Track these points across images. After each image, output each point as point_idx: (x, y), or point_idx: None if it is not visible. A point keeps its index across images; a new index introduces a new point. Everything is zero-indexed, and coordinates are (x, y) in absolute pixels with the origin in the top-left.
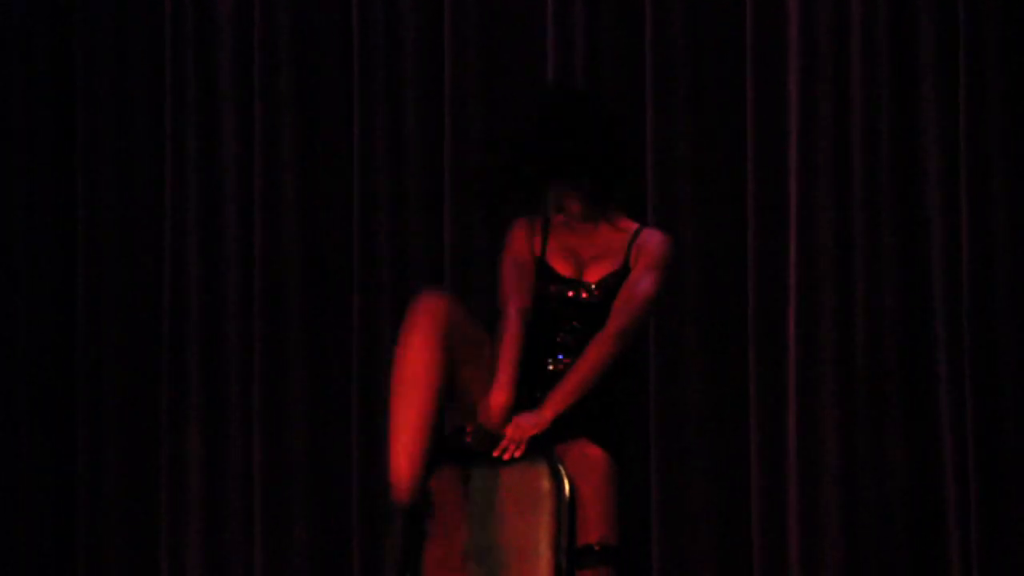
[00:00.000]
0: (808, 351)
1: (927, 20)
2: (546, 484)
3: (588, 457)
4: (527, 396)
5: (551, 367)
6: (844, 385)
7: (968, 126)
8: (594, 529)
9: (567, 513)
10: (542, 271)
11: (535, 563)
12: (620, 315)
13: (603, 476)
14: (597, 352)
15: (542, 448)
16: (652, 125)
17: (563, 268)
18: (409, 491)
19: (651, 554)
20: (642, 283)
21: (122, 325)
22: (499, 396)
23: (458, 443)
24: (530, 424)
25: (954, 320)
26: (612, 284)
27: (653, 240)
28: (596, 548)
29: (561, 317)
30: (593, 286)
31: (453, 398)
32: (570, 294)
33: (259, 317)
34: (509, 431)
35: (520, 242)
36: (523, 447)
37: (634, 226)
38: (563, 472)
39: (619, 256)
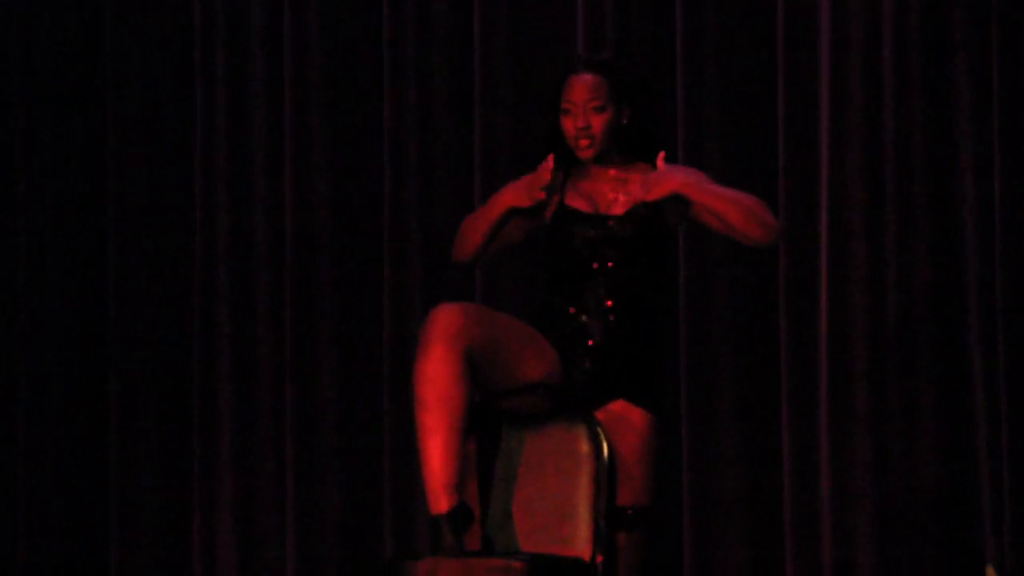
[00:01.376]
0: (839, 320)
1: None
2: (585, 447)
3: (627, 419)
4: (561, 348)
5: (584, 318)
6: (875, 355)
7: (1001, 91)
8: (630, 491)
9: (606, 476)
10: (564, 216)
11: (574, 524)
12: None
13: (641, 438)
14: (751, 200)
15: (581, 410)
16: (682, 82)
17: (586, 208)
18: (448, 501)
19: (682, 524)
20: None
21: (152, 298)
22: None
23: (491, 409)
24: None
25: (985, 289)
26: (641, 214)
27: (673, 167)
28: (629, 512)
29: (591, 261)
30: (623, 217)
31: (493, 383)
32: (598, 231)
33: (289, 290)
34: (636, 186)
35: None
36: (647, 194)
37: (643, 165)
38: (602, 435)
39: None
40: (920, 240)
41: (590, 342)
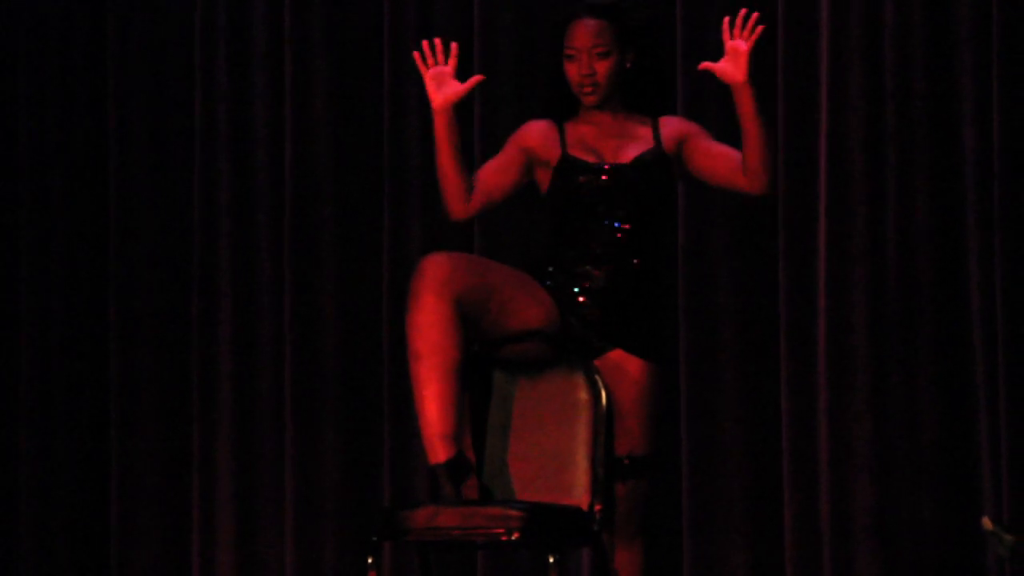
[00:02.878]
0: (839, 262)
1: None
2: (583, 395)
3: (625, 369)
4: (563, 296)
5: (588, 266)
6: (875, 299)
7: (1000, 42)
8: (627, 440)
9: (604, 424)
10: (567, 166)
11: (572, 473)
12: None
13: (641, 388)
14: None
15: (579, 358)
16: (682, 39)
17: (590, 158)
18: (445, 450)
19: (681, 476)
20: (721, 145)
21: (153, 269)
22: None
23: (488, 357)
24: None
25: (985, 231)
26: (649, 161)
27: (677, 123)
28: (626, 462)
29: (598, 207)
30: (629, 165)
31: (485, 331)
32: (604, 178)
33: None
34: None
35: (539, 138)
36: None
37: (646, 118)
38: (600, 383)
39: (647, 139)
40: (922, 171)
41: (589, 287)
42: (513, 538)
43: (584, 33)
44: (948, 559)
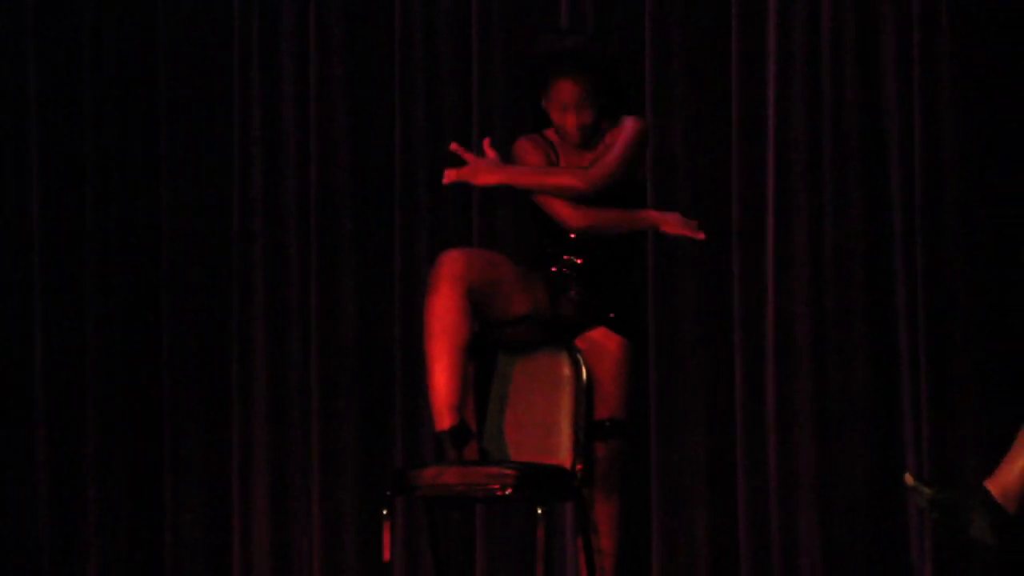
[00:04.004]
0: (784, 256)
1: None
2: (567, 371)
3: (605, 345)
4: (551, 284)
5: (572, 258)
6: (816, 285)
7: (922, 51)
8: (607, 407)
9: (584, 395)
10: None
11: (557, 437)
12: (596, 166)
13: (617, 361)
14: (560, 174)
15: (564, 340)
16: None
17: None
18: (450, 418)
19: (649, 436)
20: (612, 150)
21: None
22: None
23: (490, 339)
24: (487, 168)
25: (909, 220)
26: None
27: (627, 121)
28: (607, 424)
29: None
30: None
31: (491, 316)
32: None
33: (315, 230)
34: (469, 167)
35: (534, 154)
36: (474, 177)
37: (613, 121)
38: (581, 360)
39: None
40: (854, 177)
41: (570, 272)
42: (507, 493)
43: (569, 91)
44: (876, 509)
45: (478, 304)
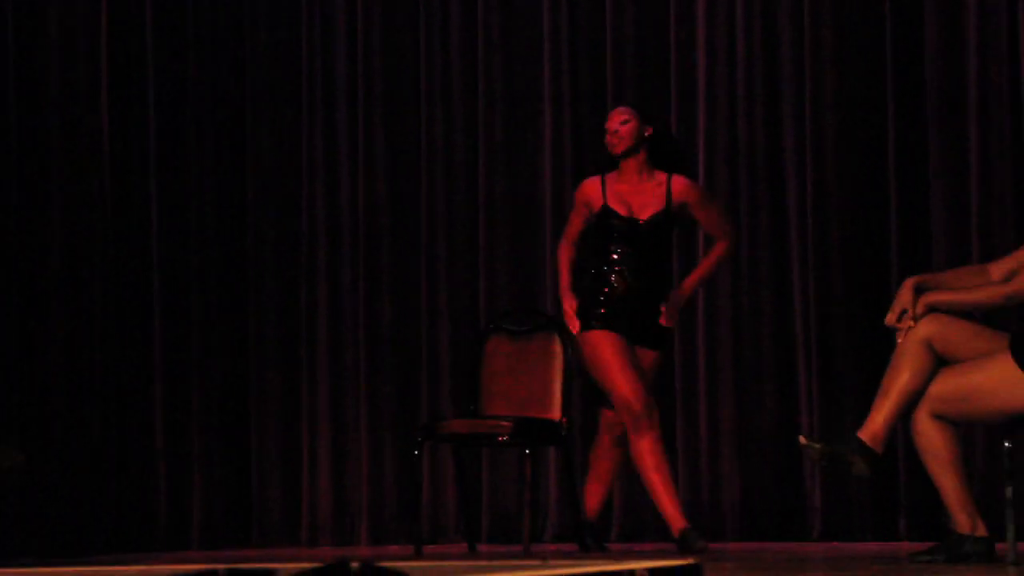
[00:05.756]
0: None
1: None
2: (557, 348)
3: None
4: (591, 288)
5: (606, 270)
6: (736, 291)
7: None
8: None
9: (570, 367)
10: (606, 212)
11: (550, 396)
12: (722, 229)
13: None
14: (722, 250)
15: (557, 328)
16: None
17: (621, 210)
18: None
19: None
20: (714, 210)
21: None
22: (568, 301)
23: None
24: (678, 299)
25: (802, 219)
26: (658, 220)
27: (684, 185)
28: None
29: (618, 242)
30: (642, 223)
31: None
32: (627, 228)
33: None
34: (665, 307)
35: (591, 194)
36: (674, 315)
37: (663, 175)
38: (568, 342)
39: (661, 201)
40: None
41: (609, 292)
42: (505, 439)
43: (614, 116)
44: (782, 457)
45: None
